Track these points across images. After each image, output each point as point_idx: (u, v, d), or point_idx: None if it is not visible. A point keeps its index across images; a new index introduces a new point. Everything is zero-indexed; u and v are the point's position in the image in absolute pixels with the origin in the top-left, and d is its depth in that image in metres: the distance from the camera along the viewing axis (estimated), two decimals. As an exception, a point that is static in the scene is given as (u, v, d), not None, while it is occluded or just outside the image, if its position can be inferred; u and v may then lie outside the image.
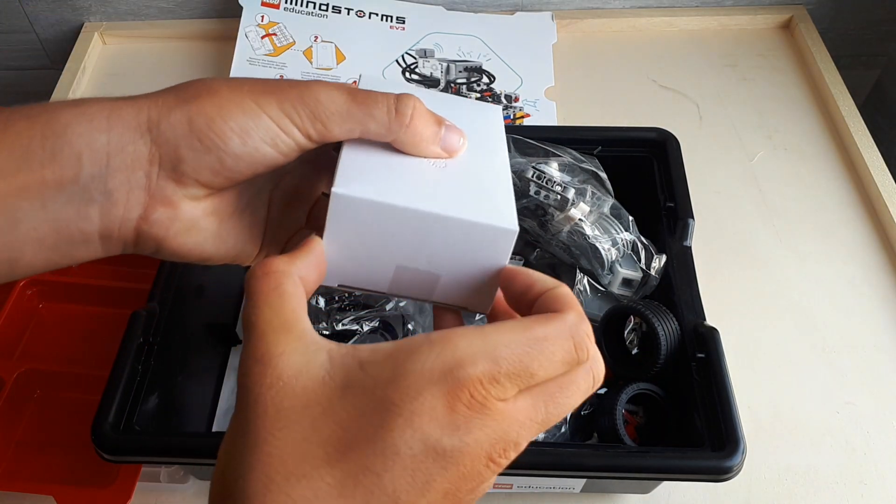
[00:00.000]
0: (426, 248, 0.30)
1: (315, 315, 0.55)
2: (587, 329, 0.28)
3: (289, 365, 0.24)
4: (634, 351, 0.54)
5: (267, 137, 0.29)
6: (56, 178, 0.28)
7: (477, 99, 0.79)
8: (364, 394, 0.24)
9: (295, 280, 0.27)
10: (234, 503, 0.23)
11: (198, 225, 0.32)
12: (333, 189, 0.29)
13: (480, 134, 0.35)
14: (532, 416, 0.25)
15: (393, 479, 0.23)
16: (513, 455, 0.25)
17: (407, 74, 0.81)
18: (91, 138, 0.28)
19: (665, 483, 0.52)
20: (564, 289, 0.28)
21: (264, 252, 0.35)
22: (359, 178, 0.29)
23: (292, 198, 0.36)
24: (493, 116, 0.37)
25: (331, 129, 0.30)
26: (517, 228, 0.30)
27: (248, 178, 0.31)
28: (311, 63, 0.81)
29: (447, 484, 0.24)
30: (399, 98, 0.31)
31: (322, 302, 0.55)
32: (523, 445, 0.25)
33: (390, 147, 0.32)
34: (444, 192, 0.30)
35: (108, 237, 0.30)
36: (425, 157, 0.32)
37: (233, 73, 0.80)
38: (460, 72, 0.81)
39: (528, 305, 0.29)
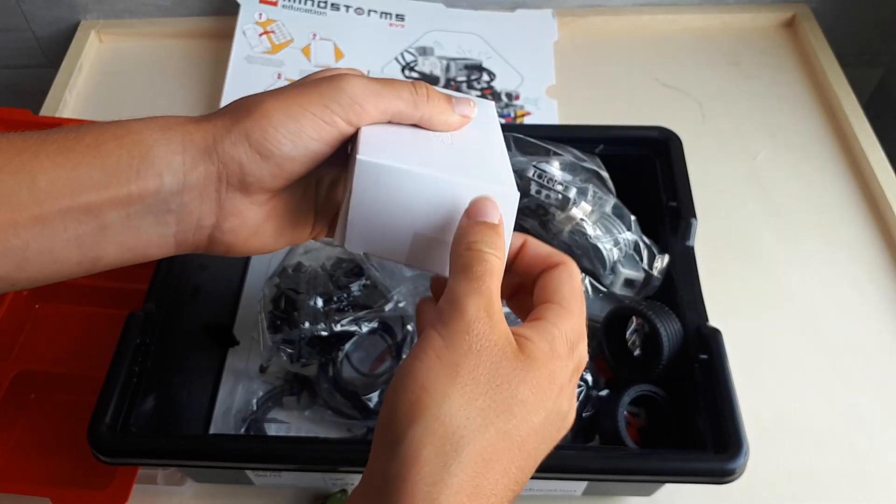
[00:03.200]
0: (439, 214, 0.33)
1: (313, 315, 0.54)
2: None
3: (501, 328, 0.30)
4: (636, 352, 0.53)
5: (314, 133, 0.34)
6: (140, 193, 0.32)
7: (477, 97, 0.79)
8: (542, 368, 0.30)
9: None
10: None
11: (263, 226, 0.37)
12: (358, 156, 0.32)
13: (479, 121, 0.39)
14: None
15: (543, 437, 0.30)
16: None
17: (406, 72, 0.80)
18: (170, 160, 0.33)
19: (667, 485, 0.52)
20: (566, 274, 0.35)
21: (315, 231, 0.40)
22: (379, 149, 0.33)
23: (332, 184, 0.40)
24: (489, 109, 0.41)
25: (368, 110, 0.34)
26: (518, 193, 0.34)
27: (303, 175, 0.35)
28: (309, 61, 0.80)
29: (552, 441, 0.31)
30: (415, 82, 0.36)
31: (320, 302, 0.55)
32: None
33: (401, 129, 0.36)
34: (453, 162, 0.34)
35: (183, 242, 0.35)
36: (444, 130, 0.37)
37: (230, 71, 0.79)
38: (460, 70, 0.80)
39: (531, 275, 0.35)
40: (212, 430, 0.56)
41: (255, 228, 0.36)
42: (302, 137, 0.33)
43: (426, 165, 0.33)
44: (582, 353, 0.32)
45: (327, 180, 0.40)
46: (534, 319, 0.32)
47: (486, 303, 0.30)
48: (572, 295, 0.33)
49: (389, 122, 0.36)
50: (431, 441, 0.27)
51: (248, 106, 0.34)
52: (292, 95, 0.34)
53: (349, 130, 0.34)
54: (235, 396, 0.57)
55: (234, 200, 0.35)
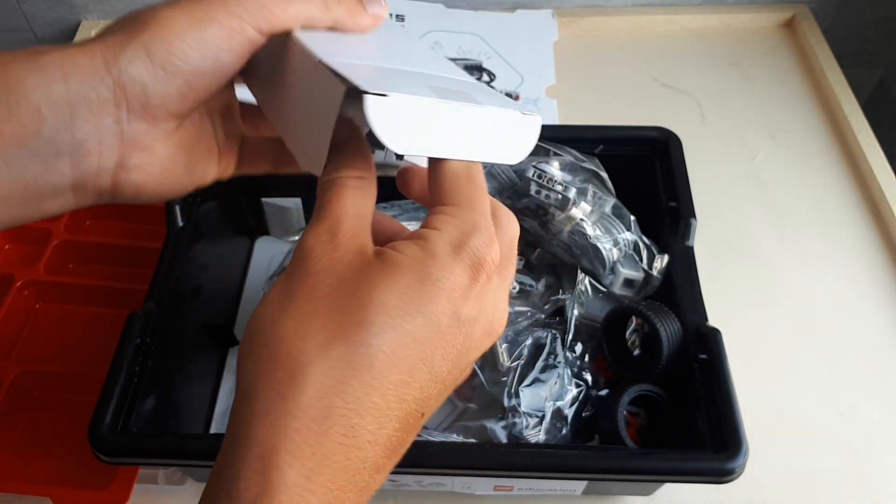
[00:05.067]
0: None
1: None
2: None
3: (351, 244, 0.27)
4: (636, 352, 0.53)
5: (223, 43, 0.29)
6: (16, 134, 0.27)
7: None
8: (407, 271, 0.26)
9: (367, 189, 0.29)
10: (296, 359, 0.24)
11: (173, 161, 0.32)
12: (366, 94, 0.26)
13: (392, 27, 0.36)
14: (503, 288, 0.29)
15: (433, 348, 0.25)
16: (503, 327, 0.29)
17: (407, 73, 0.80)
18: (48, 90, 0.27)
19: (667, 485, 0.52)
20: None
21: (221, 168, 0.35)
22: (362, 72, 0.28)
23: (226, 110, 0.36)
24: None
25: (277, 15, 0.30)
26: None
27: (213, 92, 0.31)
28: (310, 61, 0.80)
29: (460, 352, 0.27)
30: None
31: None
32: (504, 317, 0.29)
33: (336, 37, 0.32)
34: (468, 89, 0.31)
35: (83, 188, 0.30)
36: (358, 31, 0.33)
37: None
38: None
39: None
40: (212, 430, 0.56)
41: (166, 163, 0.32)
42: (210, 47, 0.29)
43: (441, 94, 0.28)
44: (478, 249, 0.27)
45: (220, 112, 0.35)
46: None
47: (329, 224, 0.27)
48: (458, 189, 0.28)
49: (304, 29, 0.31)
50: (264, 371, 0.25)
51: (142, 18, 0.29)
52: (193, 2, 0.29)
53: (259, 40, 0.30)
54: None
55: (138, 131, 0.29)
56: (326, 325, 0.25)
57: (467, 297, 0.26)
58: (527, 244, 0.58)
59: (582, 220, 0.53)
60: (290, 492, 0.23)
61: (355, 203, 0.28)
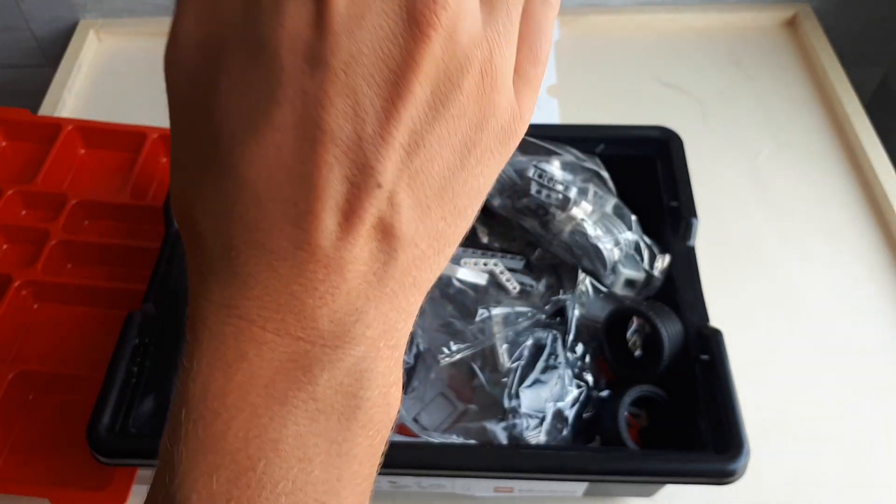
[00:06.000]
0: None
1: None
2: None
3: None
4: (637, 353, 0.53)
5: None
6: None
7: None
8: (236, 52, 0.18)
9: None
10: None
11: None
12: None
13: None
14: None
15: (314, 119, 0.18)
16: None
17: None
18: None
19: (668, 486, 0.52)
20: None
21: None
22: None
23: None
24: None
25: None
26: None
27: None
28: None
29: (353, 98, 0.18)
30: None
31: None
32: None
33: None
34: None
35: None
36: None
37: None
38: (461, 69, 0.80)
39: None
40: (211, 431, 0.56)
41: None
42: None
43: None
44: None
45: None
46: None
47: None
48: None
49: None
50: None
51: None
52: None
53: None
54: (235, 397, 0.57)
55: None
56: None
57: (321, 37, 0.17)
58: (527, 244, 0.58)
59: (583, 219, 0.53)
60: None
61: None
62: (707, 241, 0.58)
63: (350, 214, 0.18)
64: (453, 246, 0.21)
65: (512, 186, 0.55)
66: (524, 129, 0.21)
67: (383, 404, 0.20)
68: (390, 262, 0.19)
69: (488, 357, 0.53)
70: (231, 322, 0.19)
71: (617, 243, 0.54)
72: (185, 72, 0.19)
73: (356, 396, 0.19)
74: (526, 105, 0.21)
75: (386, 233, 0.19)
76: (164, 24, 0.84)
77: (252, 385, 0.18)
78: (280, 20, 0.18)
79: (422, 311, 0.60)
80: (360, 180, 0.18)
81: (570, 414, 0.51)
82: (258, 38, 0.18)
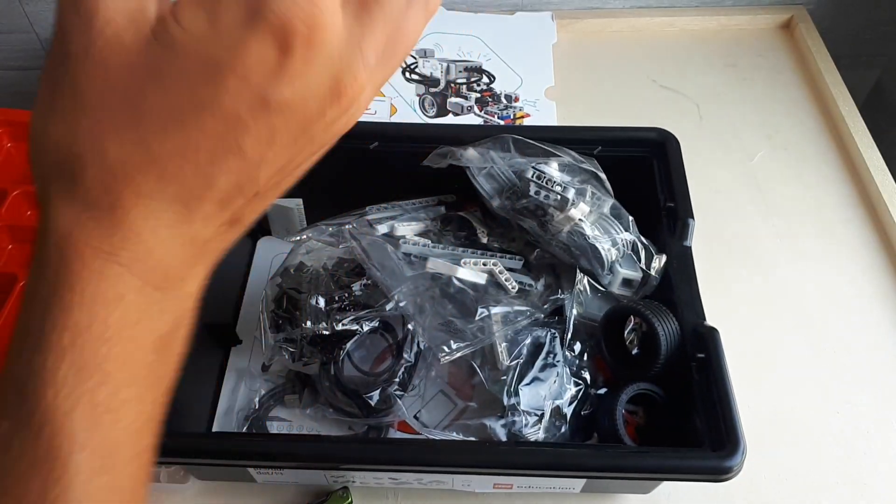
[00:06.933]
0: None
1: (315, 315, 0.55)
2: None
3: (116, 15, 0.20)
4: (634, 351, 0.54)
5: None
6: None
7: (477, 99, 0.79)
8: (187, 59, 0.20)
9: None
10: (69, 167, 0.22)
11: None
12: None
13: None
14: (370, 36, 0.22)
15: (234, 139, 0.21)
16: (364, 92, 0.23)
17: (407, 74, 0.81)
18: None
19: (665, 483, 0.52)
20: None
21: None
22: None
23: None
24: None
25: None
26: None
27: None
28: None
29: (292, 133, 0.22)
30: None
31: (322, 302, 0.55)
32: (363, 76, 0.22)
33: None
34: None
35: None
36: None
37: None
38: (460, 72, 0.81)
39: None
40: (214, 429, 0.56)
41: None
42: None
43: None
44: (281, 10, 0.20)
45: None
46: None
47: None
48: None
49: None
50: (45, 175, 0.23)
51: None
52: None
53: None
54: (238, 395, 0.58)
55: None
56: (94, 126, 0.21)
57: (278, 76, 0.21)
58: (526, 244, 0.59)
59: (581, 220, 0.54)
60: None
61: None
62: (703, 241, 0.59)
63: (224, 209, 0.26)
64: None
65: (510, 187, 0.56)
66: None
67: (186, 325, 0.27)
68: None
69: (488, 355, 0.54)
70: (111, 267, 0.23)
71: (614, 243, 0.55)
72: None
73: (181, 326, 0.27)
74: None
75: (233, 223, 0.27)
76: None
77: (125, 321, 0.24)
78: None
79: (422, 310, 0.61)
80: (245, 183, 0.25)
81: (569, 411, 0.52)
82: None
